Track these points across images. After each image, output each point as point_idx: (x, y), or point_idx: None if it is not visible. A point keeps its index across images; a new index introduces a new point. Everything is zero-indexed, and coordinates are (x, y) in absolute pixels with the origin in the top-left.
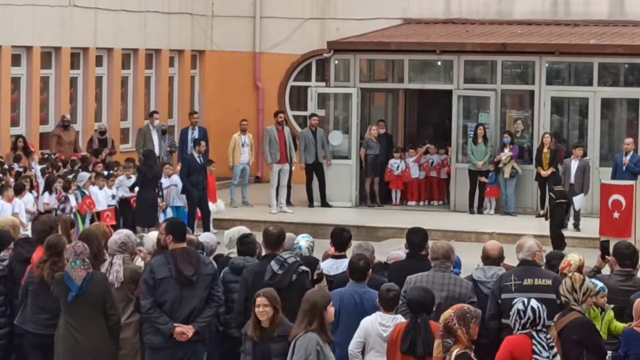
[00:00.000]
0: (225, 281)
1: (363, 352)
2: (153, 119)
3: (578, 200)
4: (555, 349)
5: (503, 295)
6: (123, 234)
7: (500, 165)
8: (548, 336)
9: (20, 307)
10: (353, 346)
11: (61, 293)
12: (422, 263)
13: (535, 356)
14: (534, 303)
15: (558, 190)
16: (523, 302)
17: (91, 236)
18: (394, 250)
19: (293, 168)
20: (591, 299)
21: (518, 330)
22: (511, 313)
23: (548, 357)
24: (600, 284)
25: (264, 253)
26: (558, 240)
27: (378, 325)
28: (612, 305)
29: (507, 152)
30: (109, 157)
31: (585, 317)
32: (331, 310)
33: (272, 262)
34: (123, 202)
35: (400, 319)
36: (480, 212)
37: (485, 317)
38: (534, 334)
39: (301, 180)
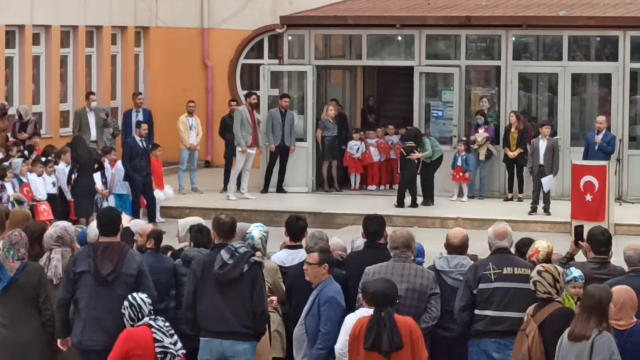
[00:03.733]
0: (177, 274)
1: None
2: (90, 101)
3: (547, 182)
4: (175, 336)
5: (481, 285)
6: (59, 226)
7: (475, 146)
8: (167, 323)
9: None
10: (340, 345)
11: None
12: (381, 253)
13: (157, 344)
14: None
15: (409, 145)
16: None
17: (37, 228)
18: (335, 238)
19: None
20: (567, 285)
21: (129, 322)
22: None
23: (171, 344)
24: (575, 274)
25: (214, 243)
26: (401, 200)
27: None
28: None
29: (482, 132)
30: (29, 141)
31: (567, 307)
32: (612, 307)
33: (222, 252)
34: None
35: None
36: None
37: (455, 309)
38: (152, 322)
39: (254, 165)
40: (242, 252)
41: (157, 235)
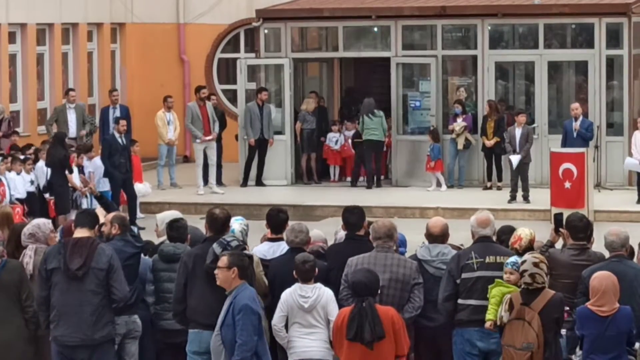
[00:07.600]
0: (154, 269)
1: (286, 327)
2: (69, 97)
3: (515, 159)
4: None
5: (464, 275)
6: (33, 224)
7: (454, 135)
8: None
9: None
10: (276, 320)
11: None
12: (361, 244)
13: None
14: None
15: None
16: None
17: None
18: (315, 230)
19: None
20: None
21: None
22: None
23: None
24: (513, 259)
25: (206, 235)
26: (354, 180)
27: (298, 297)
28: None
29: (460, 121)
30: (4, 140)
31: (557, 293)
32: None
33: (215, 245)
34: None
35: (320, 287)
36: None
37: (439, 299)
38: None
39: (233, 159)
40: (234, 246)
41: (120, 220)
